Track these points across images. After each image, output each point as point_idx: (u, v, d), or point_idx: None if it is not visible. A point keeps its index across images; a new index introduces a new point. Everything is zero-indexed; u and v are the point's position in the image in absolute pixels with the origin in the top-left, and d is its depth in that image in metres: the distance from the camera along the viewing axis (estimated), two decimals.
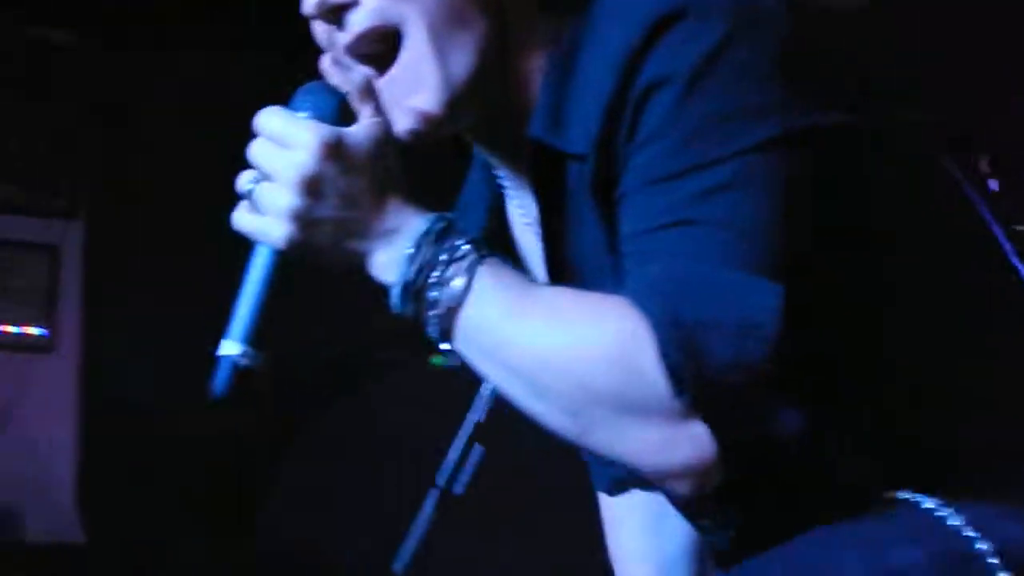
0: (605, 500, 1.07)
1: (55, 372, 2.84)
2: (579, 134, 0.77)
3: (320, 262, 0.78)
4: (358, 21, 0.81)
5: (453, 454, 2.13)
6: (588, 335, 0.71)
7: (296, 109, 0.78)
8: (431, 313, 0.74)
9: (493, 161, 0.92)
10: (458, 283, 0.73)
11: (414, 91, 0.81)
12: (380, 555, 2.20)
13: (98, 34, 2.83)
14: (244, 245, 0.87)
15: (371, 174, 0.77)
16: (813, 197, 0.72)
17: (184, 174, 2.84)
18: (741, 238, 0.69)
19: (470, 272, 0.74)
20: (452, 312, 0.74)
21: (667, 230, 0.71)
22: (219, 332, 0.81)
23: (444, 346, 0.75)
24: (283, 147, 0.76)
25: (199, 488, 2.94)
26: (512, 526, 2.54)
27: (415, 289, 0.74)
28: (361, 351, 3.08)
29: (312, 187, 0.75)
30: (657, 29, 0.72)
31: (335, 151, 0.75)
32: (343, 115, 0.79)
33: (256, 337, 0.77)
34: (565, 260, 0.86)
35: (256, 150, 0.77)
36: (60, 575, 2.82)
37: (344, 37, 0.82)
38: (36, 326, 2.82)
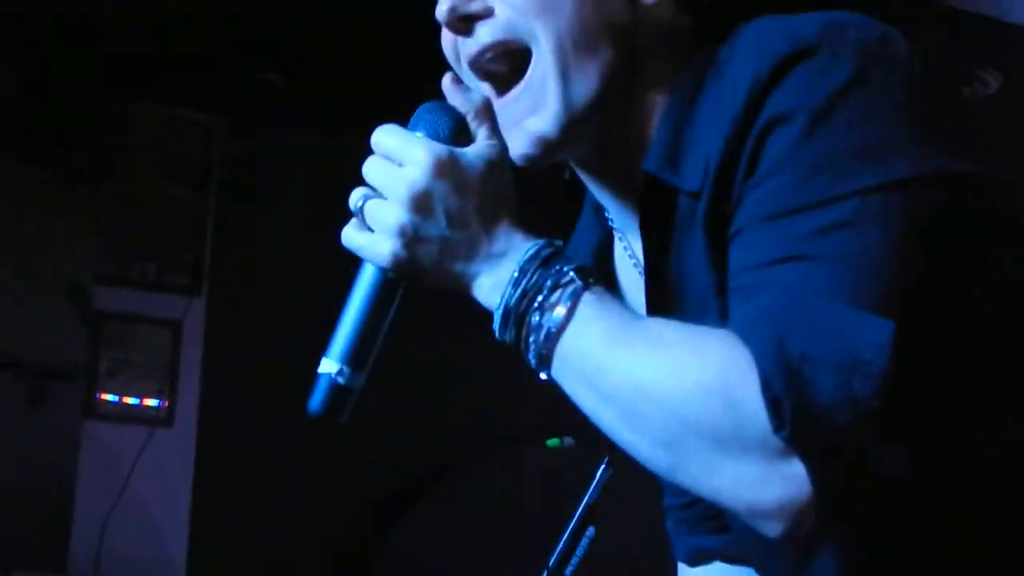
0: (684, 570, 1.04)
1: (174, 445, 2.89)
2: (695, 169, 0.76)
3: (424, 282, 0.77)
4: (488, 32, 0.81)
5: (565, 535, 2.07)
6: (688, 364, 0.69)
7: (413, 128, 0.78)
8: (532, 338, 0.73)
9: (601, 195, 0.91)
10: (560, 310, 0.72)
11: (533, 112, 0.81)
12: None
13: (225, 112, 2.95)
14: None
15: (482, 195, 0.76)
16: (932, 241, 0.70)
17: (304, 251, 2.90)
18: (855, 274, 0.67)
19: (574, 298, 0.72)
20: (553, 338, 0.72)
21: (778, 265, 0.69)
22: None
23: (543, 376, 0.74)
24: (396, 164, 0.76)
25: (313, 564, 2.94)
26: None
27: (518, 313, 0.73)
28: (478, 428, 3.07)
29: (422, 204, 0.74)
30: (785, 65, 0.71)
31: (448, 170, 0.74)
32: (459, 135, 0.79)
33: (355, 357, 0.77)
34: (669, 299, 0.84)
35: (369, 167, 0.77)
36: None
37: (471, 47, 0.82)
38: (156, 399, 2.90)
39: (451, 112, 0.80)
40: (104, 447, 2.81)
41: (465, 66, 0.84)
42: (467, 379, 2.99)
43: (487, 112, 0.80)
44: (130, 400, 2.85)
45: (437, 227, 0.75)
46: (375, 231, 0.76)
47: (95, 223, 2.89)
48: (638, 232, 0.86)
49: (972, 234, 0.74)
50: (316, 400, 0.78)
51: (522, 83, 0.82)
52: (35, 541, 2.68)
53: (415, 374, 2.89)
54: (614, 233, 0.95)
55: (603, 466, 1.90)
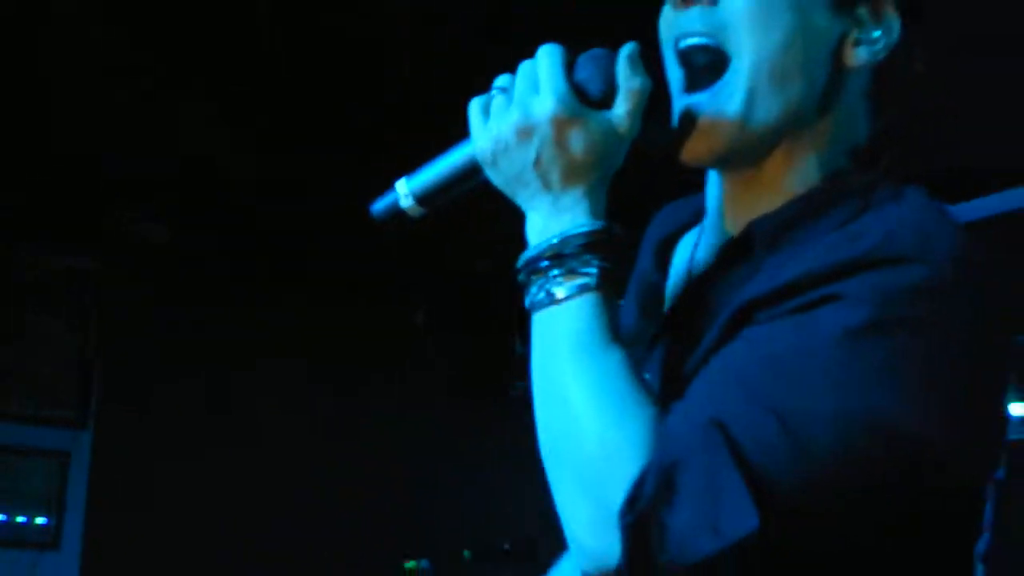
0: None
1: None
2: (776, 273, 0.76)
3: (495, 180, 0.81)
4: (700, 19, 0.82)
5: None
6: (605, 420, 0.73)
7: (576, 67, 0.81)
8: (531, 290, 0.78)
9: (711, 196, 0.92)
10: (561, 292, 0.77)
11: (713, 121, 0.81)
12: None
13: (117, 263, 3.18)
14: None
15: (577, 158, 0.78)
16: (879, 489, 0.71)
17: (190, 389, 3.16)
18: (775, 457, 0.68)
19: (578, 290, 0.76)
20: (539, 304, 0.78)
21: (733, 398, 0.70)
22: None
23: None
24: (535, 87, 0.79)
25: None
26: None
27: (538, 268, 0.78)
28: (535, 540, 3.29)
29: (525, 133, 0.78)
30: (897, 260, 0.71)
31: (563, 125, 0.78)
32: (603, 101, 0.80)
33: (425, 197, 0.84)
34: (687, 309, 0.89)
35: (523, 70, 0.80)
36: None
37: (682, 24, 0.83)
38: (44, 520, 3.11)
39: (609, 78, 0.81)
40: None
41: (671, 44, 0.85)
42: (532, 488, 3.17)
43: (640, 95, 0.80)
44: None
45: (524, 158, 0.79)
46: (487, 121, 0.81)
47: None
48: (712, 235, 0.90)
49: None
50: (380, 208, 0.85)
51: (711, 90, 0.82)
52: None
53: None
54: (701, 223, 0.96)
55: None
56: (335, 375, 3.58)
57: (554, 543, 0.92)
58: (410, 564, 2.90)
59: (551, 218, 0.79)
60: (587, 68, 0.81)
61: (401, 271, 3.73)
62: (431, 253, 3.62)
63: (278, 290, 3.42)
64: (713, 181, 0.91)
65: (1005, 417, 0.82)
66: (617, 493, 0.69)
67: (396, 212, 0.84)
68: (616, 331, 0.78)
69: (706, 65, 0.82)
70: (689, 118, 0.82)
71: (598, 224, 0.78)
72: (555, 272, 0.77)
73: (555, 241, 0.78)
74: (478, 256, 3.60)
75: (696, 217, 0.97)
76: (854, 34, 0.82)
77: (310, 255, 3.37)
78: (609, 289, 0.78)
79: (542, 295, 0.78)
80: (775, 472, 0.67)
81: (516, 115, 0.79)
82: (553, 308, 0.77)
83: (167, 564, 3.00)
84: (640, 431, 0.72)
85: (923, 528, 0.75)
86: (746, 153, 0.83)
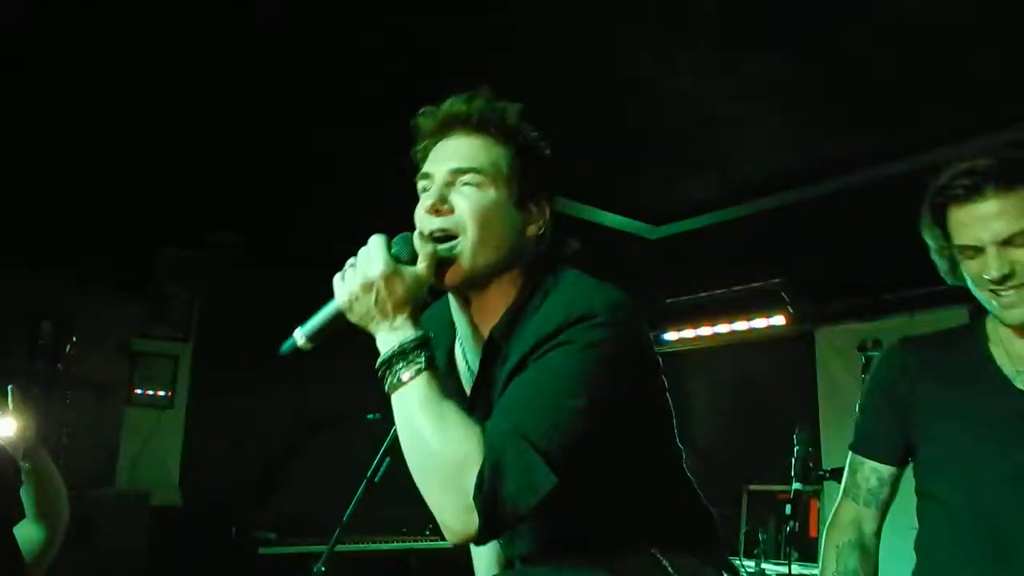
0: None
1: None
2: (516, 351, 1.31)
3: (352, 318, 1.28)
4: (444, 221, 1.38)
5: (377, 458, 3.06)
6: (450, 439, 1.19)
7: (394, 243, 1.31)
8: (388, 382, 1.24)
9: (460, 320, 1.46)
10: (406, 375, 1.22)
11: (455, 266, 1.36)
12: None
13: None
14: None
15: (400, 295, 1.26)
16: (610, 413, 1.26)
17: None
18: (542, 423, 1.20)
19: (416, 373, 1.23)
20: (394, 387, 1.24)
21: (510, 407, 1.23)
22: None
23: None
24: (370, 259, 1.26)
25: None
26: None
27: (389, 365, 1.25)
28: (330, 414, 5.26)
29: (367, 287, 1.25)
30: (577, 320, 1.27)
31: (389, 276, 1.25)
32: (409, 260, 1.30)
33: (313, 336, 1.30)
34: (483, 394, 1.42)
35: (363, 250, 1.27)
36: None
37: (435, 222, 1.38)
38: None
39: (411, 248, 1.29)
40: None
41: (426, 227, 1.37)
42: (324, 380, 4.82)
43: (431, 256, 1.30)
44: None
45: (368, 302, 1.24)
46: (344, 282, 1.26)
47: None
48: (470, 347, 1.44)
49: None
50: (284, 346, 1.30)
51: (456, 243, 1.36)
52: None
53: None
54: (457, 340, 1.49)
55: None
56: None
57: None
58: (372, 415, 4.01)
59: (390, 334, 1.25)
60: (398, 243, 1.31)
61: None
62: None
63: None
64: (454, 306, 1.46)
65: (658, 375, 1.43)
66: (469, 485, 1.14)
67: (295, 348, 1.31)
68: (444, 390, 1.23)
69: (448, 239, 1.38)
70: (445, 265, 1.37)
71: (419, 333, 1.26)
72: (399, 366, 1.22)
73: (396, 348, 1.23)
74: None
75: (448, 326, 1.50)
76: (530, 219, 1.44)
77: None
78: (434, 368, 1.24)
79: (395, 381, 1.23)
80: (553, 449, 1.17)
81: (360, 277, 1.25)
82: (403, 387, 1.22)
83: (240, 423, 5.08)
84: (474, 444, 1.17)
85: (630, 444, 1.31)
86: (476, 283, 1.40)
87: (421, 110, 1.46)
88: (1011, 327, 1.71)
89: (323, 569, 2.91)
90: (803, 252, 5.52)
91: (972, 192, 1.63)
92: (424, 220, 1.40)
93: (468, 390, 1.47)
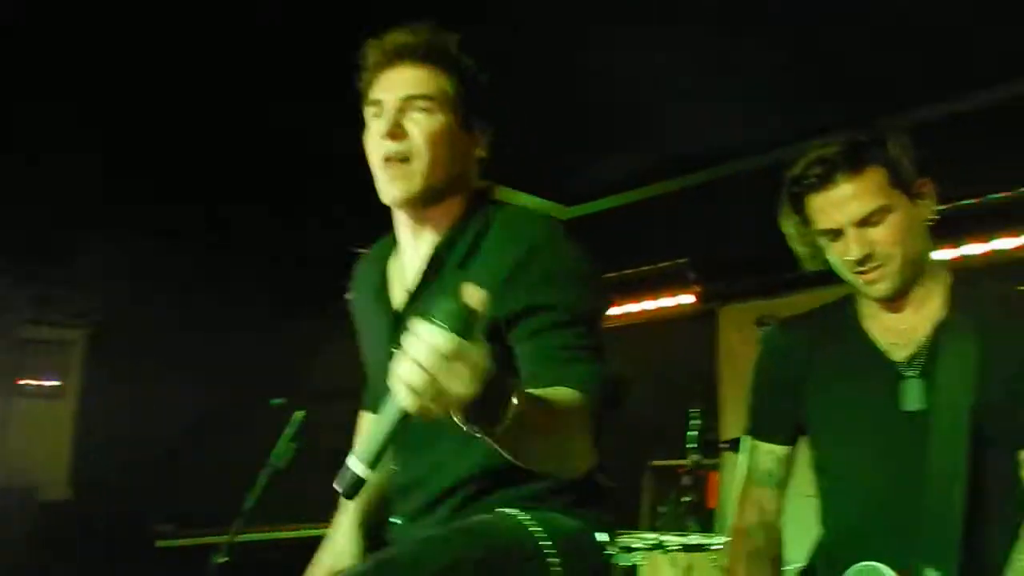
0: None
1: None
2: (479, 265, 1.45)
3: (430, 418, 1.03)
4: (400, 144, 1.50)
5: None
6: (573, 425, 1.28)
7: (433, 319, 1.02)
8: (497, 432, 1.10)
9: (405, 231, 1.59)
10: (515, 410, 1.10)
11: (410, 181, 1.49)
12: None
13: None
14: None
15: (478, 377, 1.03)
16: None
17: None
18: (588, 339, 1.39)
19: (513, 398, 1.10)
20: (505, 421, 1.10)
21: (568, 351, 1.36)
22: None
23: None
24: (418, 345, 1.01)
25: None
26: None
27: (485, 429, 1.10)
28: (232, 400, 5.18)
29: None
30: (533, 251, 1.43)
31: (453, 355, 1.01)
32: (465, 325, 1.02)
33: (373, 462, 1.07)
34: (419, 297, 1.52)
35: (408, 342, 1.02)
36: None
37: (391, 147, 1.50)
38: None
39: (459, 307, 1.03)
40: None
41: (380, 151, 1.49)
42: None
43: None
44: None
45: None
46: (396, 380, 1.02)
47: None
48: (411, 255, 1.56)
49: None
50: (347, 488, 1.07)
51: (407, 168, 1.47)
52: None
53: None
54: (394, 255, 1.63)
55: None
56: None
57: None
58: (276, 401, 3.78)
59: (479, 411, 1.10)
60: (438, 312, 1.03)
61: None
62: None
63: None
64: (402, 220, 1.58)
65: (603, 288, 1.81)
66: (588, 428, 1.35)
67: (357, 483, 1.07)
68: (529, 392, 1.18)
69: (403, 161, 1.50)
70: (395, 179, 1.50)
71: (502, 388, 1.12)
72: (492, 409, 1.10)
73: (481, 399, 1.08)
74: None
75: (386, 250, 1.65)
76: (474, 143, 1.57)
77: None
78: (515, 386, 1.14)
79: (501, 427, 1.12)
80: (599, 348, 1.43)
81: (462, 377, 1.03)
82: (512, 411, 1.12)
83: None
84: (578, 400, 1.33)
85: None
86: (427, 200, 1.52)
87: (368, 42, 1.55)
88: (878, 301, 1.79)
89: (225, 559, 2.81)
90: (709, 232, 5.63)
91: (825, 179, 1.72)
92: (378, 145, 1.51)
93: (406, 292, 1.57)
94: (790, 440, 1.93)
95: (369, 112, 1.55)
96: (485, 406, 1.06)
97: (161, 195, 4.75)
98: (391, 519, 1.63)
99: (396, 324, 1.54)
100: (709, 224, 5.51)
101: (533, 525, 1.40)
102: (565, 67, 3.65)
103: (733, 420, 5.59)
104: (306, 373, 5.22)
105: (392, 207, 1.57)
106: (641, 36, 3.46)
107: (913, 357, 1.75)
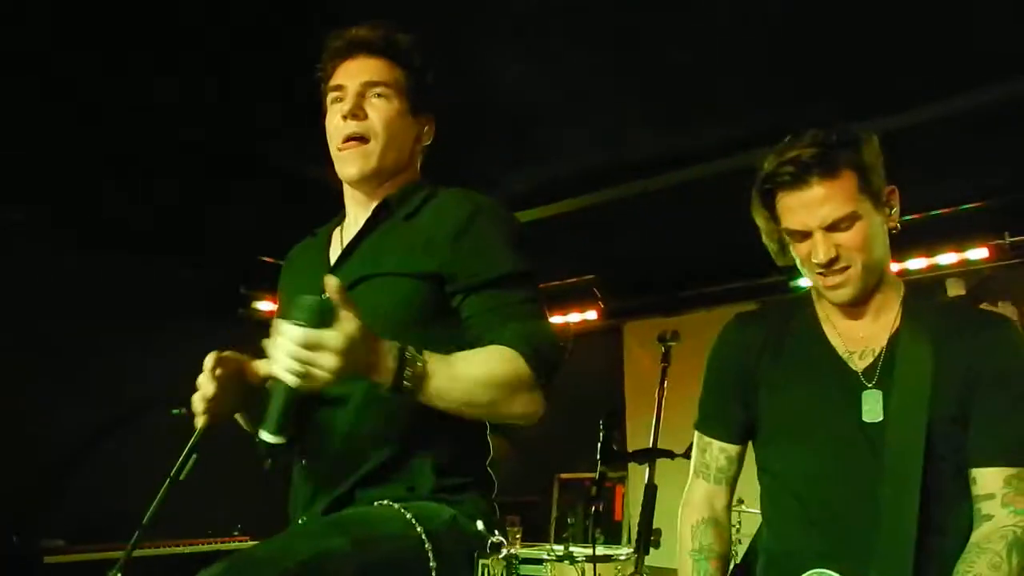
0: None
1: None
2: (425, 219, 1.62)
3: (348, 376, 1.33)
4: (359, 125, 1.69)
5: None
6: (497, 367, 1.45)
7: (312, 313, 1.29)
8: (408, 387, 1.36)
9: (353, 204, 1.75)
10: (420, 369, 1.37)
11: (366, 159, 1.67)
12: None
13: None
14: None
15: (351, 358, 1.29)
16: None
17: None
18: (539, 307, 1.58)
19: (423, 363, 1.37)
20: (422, 384, 1.38)
21: (513, 306, 1.55)
22: None
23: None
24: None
25: None
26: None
27: (398, 383, 1.36)
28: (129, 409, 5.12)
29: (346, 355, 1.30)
30: (473, 213, 1.60)
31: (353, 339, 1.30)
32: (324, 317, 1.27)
33: (279, 430, 1.27)
34: (355, 256, 1.66)
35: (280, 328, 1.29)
36: None
37: (352, 126, 1.69)
38: None
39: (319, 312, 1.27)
40: None
41: (341, 131, 1.66)
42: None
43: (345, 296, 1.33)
44: None
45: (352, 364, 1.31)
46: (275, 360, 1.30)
47: None
48: (357, 223, 1.69)
49: None
50: (262, 457, 1.29)
51: (365, 147, 1.64)
52: None
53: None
54: (339, 227, 1.78)
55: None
56: None
57: None
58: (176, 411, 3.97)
59: (382, 365, 1.37)
60: (295, 309, 1.29)
61: None
62: None
63: None
64: (354, 196, 1.74)
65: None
66: (527, 375, 1.52)
67: (272, 449, 1.27)
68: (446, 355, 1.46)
69: (361, 141, 1.67)
70: (355, 157, 1.68)
71: (397, 349, 1.40)
72: (408, 372, 1.39)
73: (395, 365, 1.38)
74: None
75: (330, 228, 1.80)
76: (421, 129, 1.77)
77: None
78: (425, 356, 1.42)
79: (416, 381, 1.39)
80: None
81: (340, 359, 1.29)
82: (431, 380, 1.42)
83: None
84: (510, 354, 1.52)
85: None
86: (380, 178, 1.70)
87: (331, 35, 1.74)
88: (838, 306, 1.80)
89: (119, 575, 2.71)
90: (615, 249, 5.74)
91: (798, 179, 1.70)
92: (340, 125, 1.68)
93: (347, 244, 1.70)
94: (742, 439, 1.92)
95: (331, 97, 1.72)
96: (389, 374, 1.35)
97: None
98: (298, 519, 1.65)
99: (332, 271, 1.66)
100: (614, 241, 5.62)
101: (406, 514, 1.45)
102: (471, 82, 3.67)
103: (638, 433, 5.72)
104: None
105: (347, 183, 1.74)
106: (547, 51, 3.52)
107: (872, 367, 1.75)
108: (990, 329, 1.72)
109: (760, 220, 1.83)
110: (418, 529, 1.43)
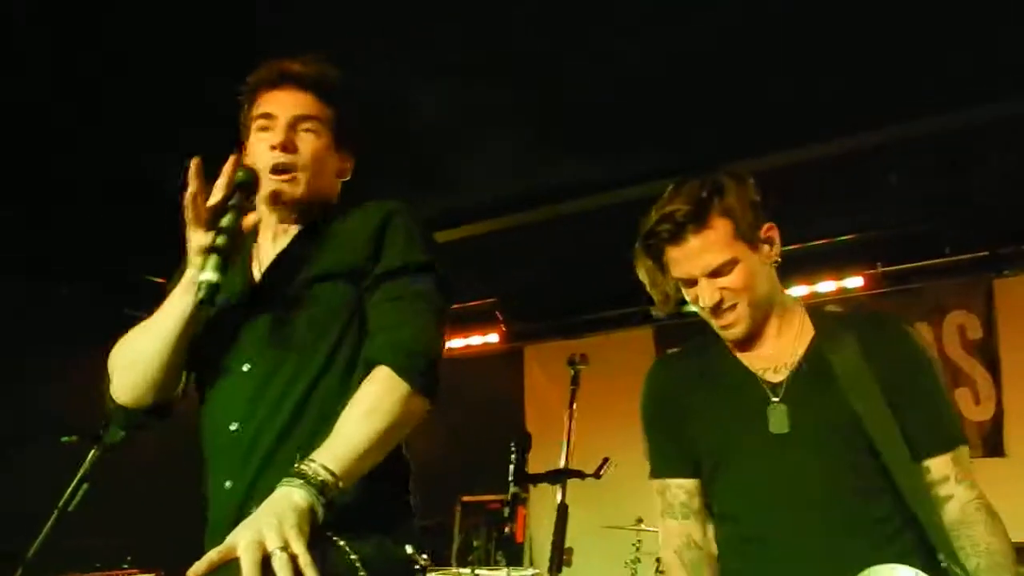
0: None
1: None
2: (341, 243, 1.70)
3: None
4: (291, 158, 1.74)
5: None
6: (382, 406, 1.49)
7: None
8: (332, 494, 1.38)
9: (269, 225, 1.78)
10: (326, 477, 1.37)
11: (295, 188, 1.73)
12: None
13: None
14: None
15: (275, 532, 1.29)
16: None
17: None
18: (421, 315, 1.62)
19: (324, 470, 1.39)
20: (336, 484, 1.39)
21: (390, 304, 1.62)
22: None
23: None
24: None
25: None
26: None
27: (326, 503, 1.37)
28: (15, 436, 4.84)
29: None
30: (389, 216, 1.71)
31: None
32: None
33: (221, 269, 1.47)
34: (275, 281, 1.71)
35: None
36: None
37: (279, 157, 1.73)
38: None
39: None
40: None
41: (269, 160, 1.70)
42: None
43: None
44: None
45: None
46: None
47: None
48: (272, 243, 1.76)
49: None
50: (204, 299, 1.46)
51: (295, 177, 1.72)
52: None
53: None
54: (255, 245, 1.78)
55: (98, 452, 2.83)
56: None
57: None
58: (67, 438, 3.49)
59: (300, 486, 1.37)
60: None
61: None
62: None
63: None
64: (273, 219, 1.78)
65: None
66: (405, 392, 1.54)
67: (212, 288, 1.48)
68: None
69: (289, 171, 1.73)
70: (285, 191, 1.74)
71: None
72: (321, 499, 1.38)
73: (312, 491, 1.38)
74: None
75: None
76: (342, 163, 1.85)
77: None
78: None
79: (326, 495, 1.38)
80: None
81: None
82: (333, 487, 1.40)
83: None
84: (384, 380, 1.54)
85: None
86: (301, 207, 1.76)
87: (264, 63, 1.77)
88: (734, 343, 1.91)
89: None
90: (516, 273, 5.83)
91: (675, 235, 1.82)
92: (267, 154, 1.72)
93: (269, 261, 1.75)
94: (694, 473, 1.94)
95: (258, 124, 1.76)
96: (312, 508, 1.35)
97: None
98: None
99: (252, 292, 1.73)
100: (516, 266, 5.71)
101: (339, 541, 1.46)
102: (388, 108, 3.72)
103: (540, 455, 5.77)
104: (99, 410, 4.92)
105: (266, 206, 1.76)
106: (452, 80, 3.60)
107: (782, 382, 1.84)
108: (891, 327, 1.88)
109: (643, 273, 1.93)
110: (351, 557, 1.45)
